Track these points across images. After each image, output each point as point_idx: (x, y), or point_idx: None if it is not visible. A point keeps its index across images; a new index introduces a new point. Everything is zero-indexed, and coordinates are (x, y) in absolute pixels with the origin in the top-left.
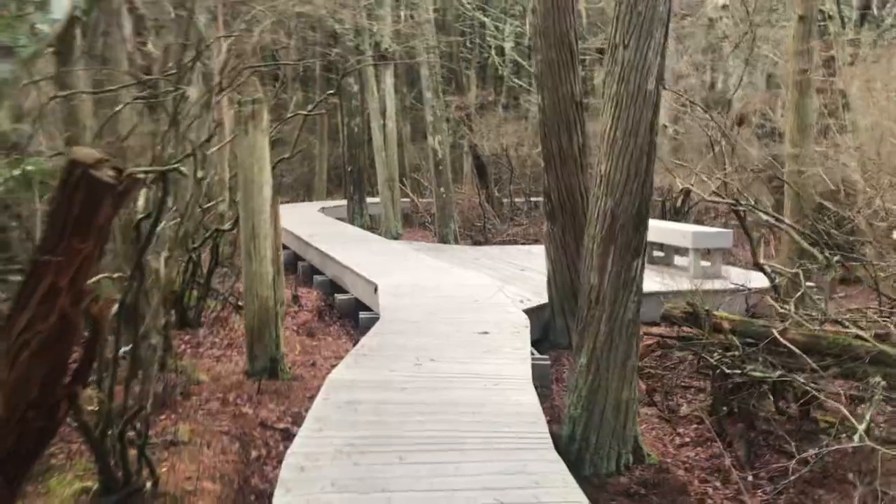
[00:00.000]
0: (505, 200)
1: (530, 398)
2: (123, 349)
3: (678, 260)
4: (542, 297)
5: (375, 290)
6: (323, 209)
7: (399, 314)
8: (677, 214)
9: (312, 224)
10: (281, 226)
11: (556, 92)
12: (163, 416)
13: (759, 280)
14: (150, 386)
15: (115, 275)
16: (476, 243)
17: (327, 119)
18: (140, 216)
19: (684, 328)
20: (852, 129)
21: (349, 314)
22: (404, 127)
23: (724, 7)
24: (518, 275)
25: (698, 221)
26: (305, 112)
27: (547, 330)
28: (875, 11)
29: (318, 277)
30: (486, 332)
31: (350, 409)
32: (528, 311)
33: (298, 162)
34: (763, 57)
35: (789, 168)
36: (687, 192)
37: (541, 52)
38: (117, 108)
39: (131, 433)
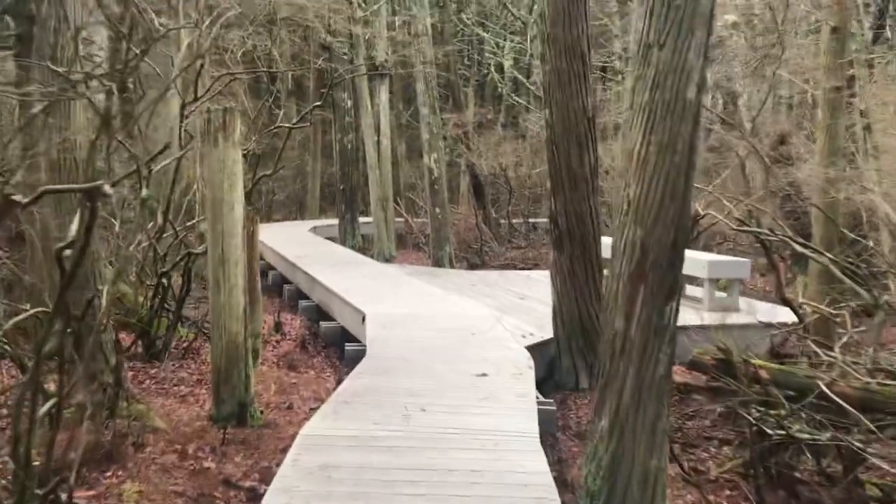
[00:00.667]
0: (502, 222)
1: (538, 464)
2: (49, 404)
3: (691, 290)
4: (546, 331)
5: (363, 319)
6: (314, 228)
7: (388, 349)
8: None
9: (302, 244)
10: (258, 249)
11: (565, 106)
12: (108, 473)
13: (782, 314)
14: (78, 446)
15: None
16: (472, 266)
17: (321, 135)
18: (62, 244)
19: (714, 376)
20: (875, 153)
21: (335, 343)
22: (399, 145)
23: (734, 25)
24: (518, 304)
25: (707, 248)
26: (289, 125)
27: (552, 368)
28: (888, 33)
29: (303, 303)
30: (484, 374)
31: (324, 476)
32: (531, 348)
33: (291, 179)
34: (771, 75)
35: (819, 193)
36: (696, 217)
37: (549, 62)
38: (35, 110)
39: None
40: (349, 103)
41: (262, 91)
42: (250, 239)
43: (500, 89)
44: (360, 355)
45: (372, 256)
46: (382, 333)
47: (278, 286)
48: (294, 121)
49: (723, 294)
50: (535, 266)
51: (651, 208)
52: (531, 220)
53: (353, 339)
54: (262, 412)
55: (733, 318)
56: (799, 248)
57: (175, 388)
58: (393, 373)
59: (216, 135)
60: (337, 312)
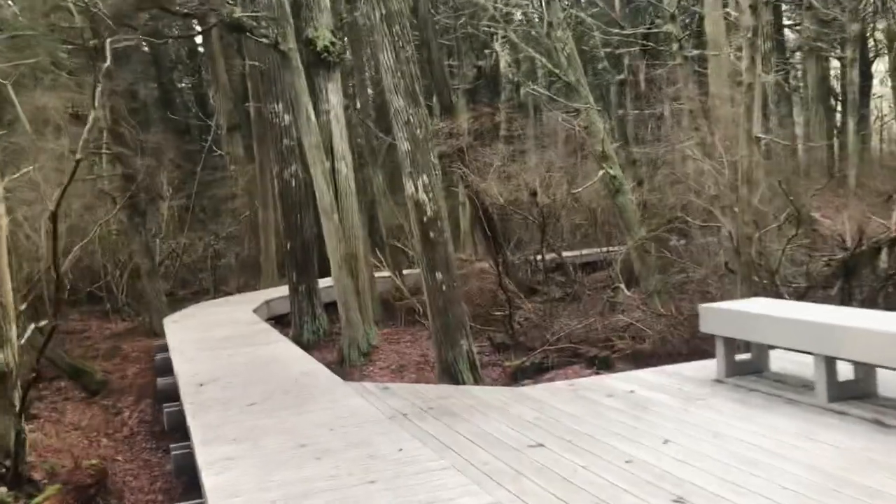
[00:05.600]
0: (516, 261)
1: None
2: None
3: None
4: None
5: None
6: (267, 303)
7: None
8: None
9: (224, 343)
10: None
11: None
12: None
13: None
14: None
15: None
16: (498, 349)
17: (271, 172)
18: None
19: None
20: None
21: None
22: (374, 173)
23: None
24: None
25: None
26: None
27: None
28: None
29: None
30: None
31: None
32: None
33: (245, 236)
34: None
35: None
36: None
37: None
38: None
39: None
40: (286, 118)
41: (193, 128)
42: None
43: (512, 79)
44: None
45: (342, 350)
46: None
47: (176, 436)
48: None
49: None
50: (611, 349)
51: None
52: (566, 252)
53: None
54: None
55: None
56: None
57: None
58: None
59: None
60: None
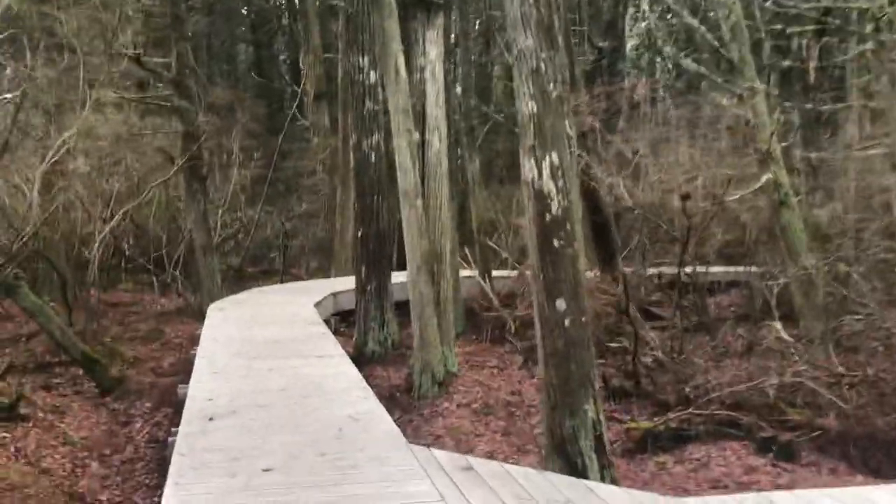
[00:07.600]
0: (638, 273)
1: None
2: None
3: None
4: None
5: None
6: (334, 295)
7: None
8: None
9: (269, 350)
10: None
11: None
12: None
13: None
14: None
15: None
16: (614, 394)
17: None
18: None
19: None
20: None
21: None
22: (472, 159)
23: None
24: None
25: None
26: None
27: None
28: None
29: None
30: None
31: None
32: None
33: (325, 217)
34: None
35: None
36: None
37: None
38: None
39: None
40: (371, 76)
41: (275, 93)
42: None
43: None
44: None
45: (412, 375)
46: None
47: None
48: None
49: None
50: (788, 426)
51: None
52: (699, 268)
53: None
54: None
55: None
56: None
57: None
58: None
59: None
60: None
